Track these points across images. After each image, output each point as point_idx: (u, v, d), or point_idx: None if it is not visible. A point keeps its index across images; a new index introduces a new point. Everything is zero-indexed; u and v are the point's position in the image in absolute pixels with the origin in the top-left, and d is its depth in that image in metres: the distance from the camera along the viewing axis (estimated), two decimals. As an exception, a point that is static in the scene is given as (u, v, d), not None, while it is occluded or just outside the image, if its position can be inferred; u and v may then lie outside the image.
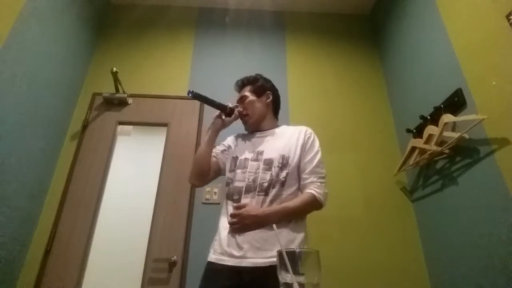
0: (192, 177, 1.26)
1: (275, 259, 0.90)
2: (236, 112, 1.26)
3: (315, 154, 1.15)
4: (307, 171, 1.11)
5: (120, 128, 2.08)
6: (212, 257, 1.04)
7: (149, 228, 1.76)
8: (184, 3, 2.50)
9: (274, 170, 1.10)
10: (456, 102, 1.48)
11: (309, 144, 1.16)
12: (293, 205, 1.04)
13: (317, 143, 1.19)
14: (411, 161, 1.77)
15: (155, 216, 1.78)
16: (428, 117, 1.64)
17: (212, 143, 1.26)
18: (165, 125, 2.04)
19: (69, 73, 1.99)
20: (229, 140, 1.32)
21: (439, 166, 1.65)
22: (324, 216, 1.80)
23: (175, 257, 1.66)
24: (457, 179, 1.50)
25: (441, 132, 1.49)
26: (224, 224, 1.08)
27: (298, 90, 2.22)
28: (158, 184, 1.87)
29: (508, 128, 1.22)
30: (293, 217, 1.05)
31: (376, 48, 2.44)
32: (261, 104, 1.27)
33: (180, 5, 2.50)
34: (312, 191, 1.06)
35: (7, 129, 1.44)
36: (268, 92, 1.29)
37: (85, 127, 2.00)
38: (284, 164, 1.11)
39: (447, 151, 1.51)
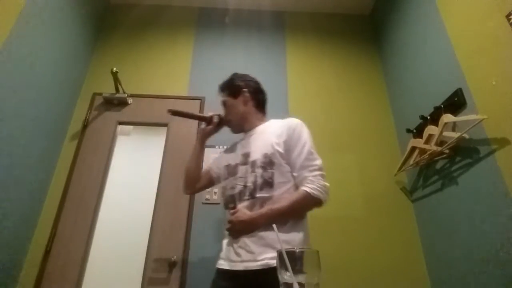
0: (183, 187, 1.36)
1: (265, 262, 0.93)
2: (215, 119, 1.28)
3: (303, 146, 1.05)
4: (297, 167, 1.04)
5: (120, 128, 2.07)
6: (218, 263, 1.09)
7: (149, 228, 1.76)
8: (184, 3, 2.50)
9: (258, 171, 1.05)
10: (456, 102, 1.48)
11: (294, 138, 1.07)
12: (280, 205, 0.98)
13: (304, 134, 1.09)
14: (411, 161, 1.77)
15: (155, 216, 1.78)
16: (428, 117, 1.64)
17: (197, 153, 1.32)
18: (165, 125, 2.04)
19: (69, 73, 1.99)
20: (224, 150, 1.35)
21: (439, 166, 1.64)
22: (324, 216, 1.82)
23: (175, 257, 1.66)
24: (457, 179, 1.50)
25: (441, 132, 1.49)
26: (225, 233, 1.12)
27: (298, 90, 2.22)
28: (158, 184, 1.87)
29: (508, 128, 1.22)
30: (284, 217, 0.98)
31: (376, 48, 2.44)
32: (240, 105, 1.24)
33: (180, 5, 2.50)
34: (305, 188, 0.99)
35: (7, 129, 1.44)
36: (244, 90, 1.24)
37: (85, 127, 2.00)
38: (267, 163, 1.05)
39: (447, 151, 1.51)
